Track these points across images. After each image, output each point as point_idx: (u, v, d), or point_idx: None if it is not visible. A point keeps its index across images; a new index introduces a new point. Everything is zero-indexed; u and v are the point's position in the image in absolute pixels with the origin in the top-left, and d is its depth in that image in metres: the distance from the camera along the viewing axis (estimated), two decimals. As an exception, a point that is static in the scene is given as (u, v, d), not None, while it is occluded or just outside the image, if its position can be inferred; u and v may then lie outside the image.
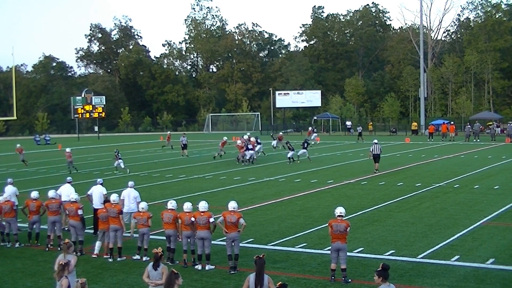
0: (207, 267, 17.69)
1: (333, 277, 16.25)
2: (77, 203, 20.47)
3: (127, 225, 21.02)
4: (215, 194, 31.60)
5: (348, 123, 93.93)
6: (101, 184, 23.03)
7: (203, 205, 17.98)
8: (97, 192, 22.53)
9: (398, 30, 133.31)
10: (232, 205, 17.87)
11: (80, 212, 20.13)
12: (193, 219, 17.87)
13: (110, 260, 18.95)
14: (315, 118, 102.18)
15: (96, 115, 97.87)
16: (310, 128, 78.90)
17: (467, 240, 20.55)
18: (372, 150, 40.42)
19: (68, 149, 44.73)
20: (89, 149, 69.49)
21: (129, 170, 42.55)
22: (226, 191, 32.94)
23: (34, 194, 21.70)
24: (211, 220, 17.74)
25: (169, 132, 56.93)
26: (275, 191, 32.74)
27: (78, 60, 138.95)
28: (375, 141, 41.91)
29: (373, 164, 40.49)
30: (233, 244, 17.49)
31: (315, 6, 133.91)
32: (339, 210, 16.66)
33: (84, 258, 18.44)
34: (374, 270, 11.90)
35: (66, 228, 22.32)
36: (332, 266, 16.35)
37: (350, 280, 16.17)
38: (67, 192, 22.99)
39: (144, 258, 18.73)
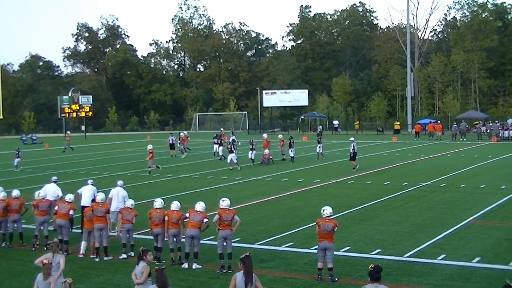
0: (194, 266, 17.69)
1: (319, 276, 16.28)
2: (72, 203, 20.43)
3: (114, 225, 20.99)
4: (201, 193, 31.57)
5: (335, 122, 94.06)
6: (91, 184, 23.00)
7: (201, 206, 18.03)
8: (88, 190, 22.46)
9: (385, 30, 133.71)
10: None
11: (71, 212, 20.09)
12: (187, 214, 17.91)
13: (97, 259, 18.91)
14: (302, 117, 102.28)
15: (83, 114, 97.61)
16: (222, 129, 74.08)
17: (453, 239, 20.64)
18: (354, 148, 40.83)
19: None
20: (76, 148, 69.20)
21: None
22: (213, 190, 32.95)
23: (16, 192, 21.58)
24: (205, 220, 17.76)
25: (185, 132, 56.92)
26: (262, 191, 32.76)
27: (65, 60, 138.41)
28: (352, 138, 42.37)
29: (352, 163, 41.00)
30: (225, 243, 17.48)
31: (302, 5, 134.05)
32: (328, 211, 16.67)
33: (71, 257, 18.39)
34: (362, 269, 11.95)
35: (53, 228, 22.27)
36: (319, 265, 16.37)
37: (336, 279, 16.20)
38: (52, 191, 22.93)
39: (132, 254, 18.75)
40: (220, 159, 48.44)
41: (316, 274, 16.40)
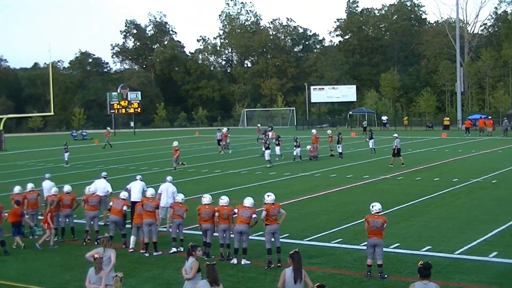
0: (242, 262, 17.73)
1: (369, 273, 16.20)
2: (126, 200, 20.70)
3: (163, 220, 21.16)
4: (250, 189, 31.62)
5: (384, 118, 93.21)
6: (140, 180, 23.25)
7: (249, 201, 18.07)
8: (137, 186, 22.70)
9: (434, 24, 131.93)
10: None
11: (125, 208, 20.33)
12: (236, 210, 17.98)
13: (146, 254, 19.09)
14: (351, 113, 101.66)
15: (132, 110, 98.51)
16: (259, 125, 73.40)
17: (505, 236, 20.33)
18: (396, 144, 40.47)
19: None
20: (125, 144, 69.98)
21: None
22: (261, 186, 32.94)
23: (67, 187, 21.95)
24: (254, 216, 17.80)
25: (226, 129, 56.88)
26: (310, 186, 32.70)
27: (114, 56, 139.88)
28: (395, 135, 41.96)
29: (391, 159, 40.67)
30: (273, 239, 17.49)
31: (349, 0, 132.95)
32: (377, 207, 16.58)
33: (121, 252, 18.55)
34: (411, 266, 11.83)
35: (103, 223, 22.61)
36: (368, 262, 16.29)
37: (386, 276, 16.10)
38: (102, 186, 23.26)
39: (181, 249, 18.89)
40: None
41: (365, 270, 16.32)
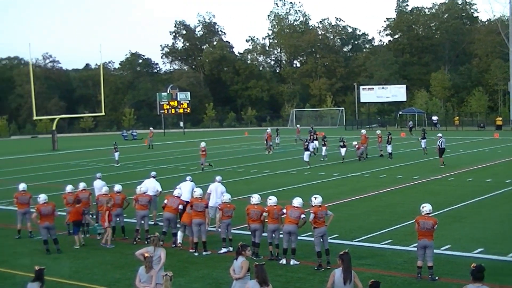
0: (291, 262, 17.69)
1: (419, 275, 16.02)
2: (181, 199, 20.83)
3: (213, 220, 21.24)
4: (299, 189, 31.56)
5: (435, 118, 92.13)
6: (190, 180, 23.38)
7: (298, 201, 18.03)
8: (187, 186, 22.80)
9: (486, 23, 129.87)
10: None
11: (180, 207, 20.46)
12: (284, 210, 17.95)
13: (196, 254, 19.17)
14: (400, 113, 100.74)
15: (181, 110, 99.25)
16: (298, 126, 75.11)
17: (561, 239, 19.92)
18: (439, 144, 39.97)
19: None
20: (175, 144, 70.47)
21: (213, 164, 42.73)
22: (310, 186, 32.86)
23: (118, 187, 22.20)
24: (303, 216, 17.74)
25: (269, 129, 56.66)
26: (359, 187, 32.51)
27: (163, 57, 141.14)
28: (440, 134, 41.44)
29: (440, 160, 40.23)
30: (322, 240, 17.41)
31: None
32: (427, 208, 16.39)
33: (170, 251, 18.62)
34: (463, 268, 11.66)
35: (153, 222, 22.81)
36: (419, 264, 16.11)
37: (437, 278, 15.90)
38: (151, 186, 23.46)
39: (230, 249, 18.94)
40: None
41: (416, 272, 16.14)
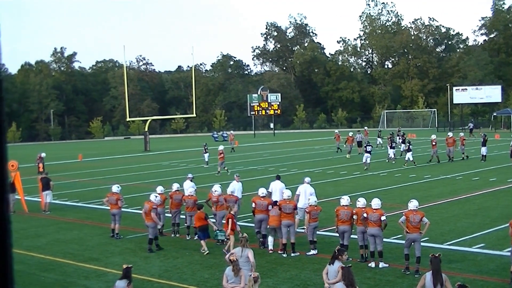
0: (380, 265, 17.53)
1: (513, 280, 15.63)
2: (270, 199, 20.90)
3: (301, 221, 21.25)
4: (389, 191, 31.27)
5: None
6: (278, 179, 23.41)
7: (376, 202, 17.86)
8: (277, 186, 22.86)
9: None
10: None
11: (270, 207, 20.50)
12: (365, 215, 17.81)
13: (284, 255, 19.23)
14: (495, 114, 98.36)
15: (271, 112, 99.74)
16: (366, 128, 73.26)
17: None
18: None
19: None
20: (265, 145, 70.86)
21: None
22: (401, 188, 32.53)
23: (216, 188, 22.38)
24: (383, 218, 17.54)
25: (351, 133, 56.00)
26: (451, 189, 31.92)
27: (254, 58, 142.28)
28: None
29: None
30: (412, 243, 17.00)
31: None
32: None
33: (258, 252, 18.72)
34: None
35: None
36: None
37: (531, 284, 15.47)
38: (187, 187, 23.68)
39: (314, 252, 18.96)
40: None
41: (509, 277, 15.73)
